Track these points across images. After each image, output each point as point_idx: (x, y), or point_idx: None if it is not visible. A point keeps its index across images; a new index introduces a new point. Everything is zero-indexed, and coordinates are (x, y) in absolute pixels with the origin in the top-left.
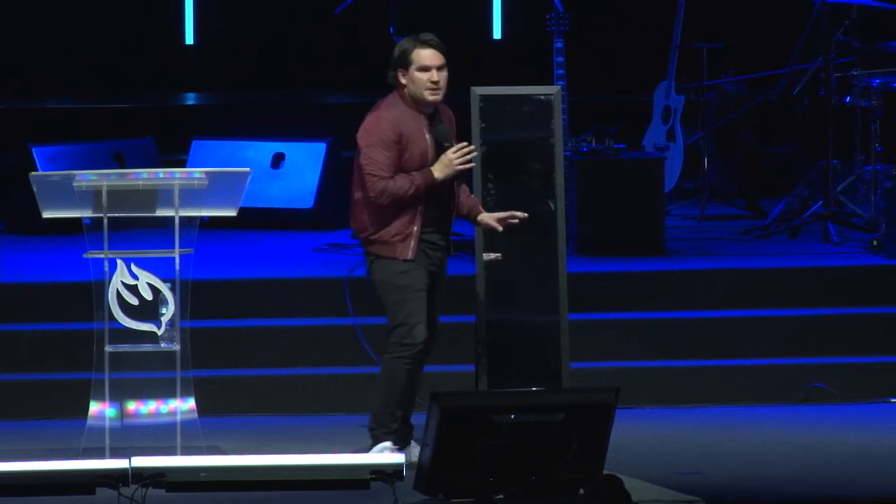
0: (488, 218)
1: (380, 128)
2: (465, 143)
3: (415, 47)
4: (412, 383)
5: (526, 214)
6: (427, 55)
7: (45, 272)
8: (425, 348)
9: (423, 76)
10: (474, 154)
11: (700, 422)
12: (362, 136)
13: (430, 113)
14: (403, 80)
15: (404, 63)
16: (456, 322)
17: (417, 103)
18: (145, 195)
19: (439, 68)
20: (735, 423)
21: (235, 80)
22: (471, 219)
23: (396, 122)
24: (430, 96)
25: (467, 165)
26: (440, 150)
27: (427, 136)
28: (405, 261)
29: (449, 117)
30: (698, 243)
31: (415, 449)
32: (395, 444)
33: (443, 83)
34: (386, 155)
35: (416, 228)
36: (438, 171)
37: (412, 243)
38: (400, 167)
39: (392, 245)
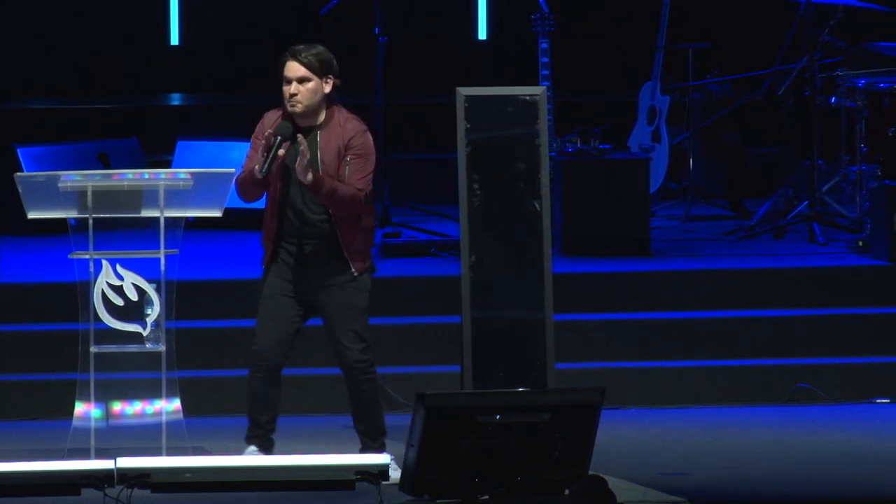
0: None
1: (258, 126)
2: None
3: (284, 59)
4: (267, 391)
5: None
6: (288, 66)
7: (30, 273)
8: (271, 355)
9: (284, 88)
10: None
11: (685, 422)
12: None
13: (317, 125)
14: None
15: (282, 74)
16: (441, 322)
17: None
18: (130, 196)
19: (300, 80)
20: (720, 423)
21: (221, 80)
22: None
23: (265, 124)
24: (289, 108)
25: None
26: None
27: (286, 145)
28: (267, 268)
29: (336, 134)
30: (683, 244)
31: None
32: (260, 448)
33: (303, 96)
34: (250, 153)
35: (273, 236)
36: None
37: (269, 249)
38: None
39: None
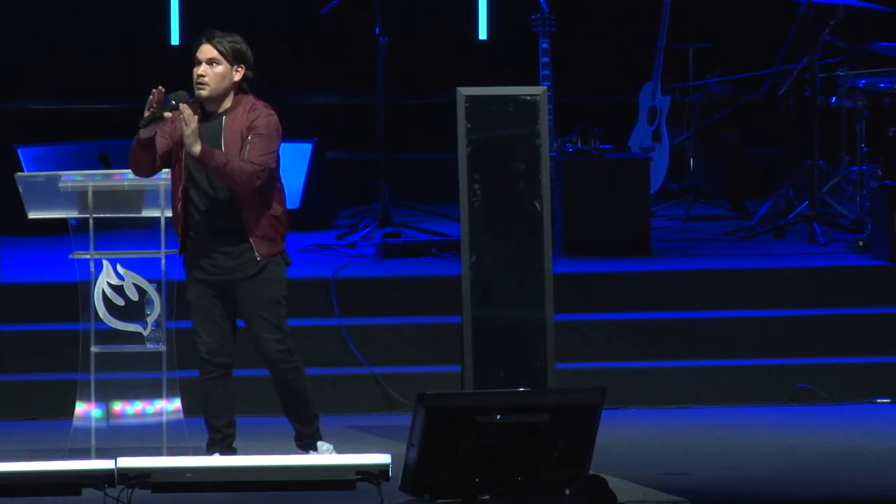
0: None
1: None
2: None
3: (199, 42)
4: (219, 393)
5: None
6: (200, 49)
7: (30, 273)
8: (217, 357)
9: (194, 70)
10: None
11: (685, 422)
12: None
13: (222, 112)
14: None
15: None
16: (442, 322)
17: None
18: (131, 196)
19: (209, 62)
20: (721, 423)
21: None
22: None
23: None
24: (196, 89)
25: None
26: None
27: (175, 125)
28: (182, 256)
29: (241, 119)
30: (684, 244)
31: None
32: (221, 453)
33: (210, 78)
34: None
35: (181, 222)
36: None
37: (180, 237)
38: (166, 152)
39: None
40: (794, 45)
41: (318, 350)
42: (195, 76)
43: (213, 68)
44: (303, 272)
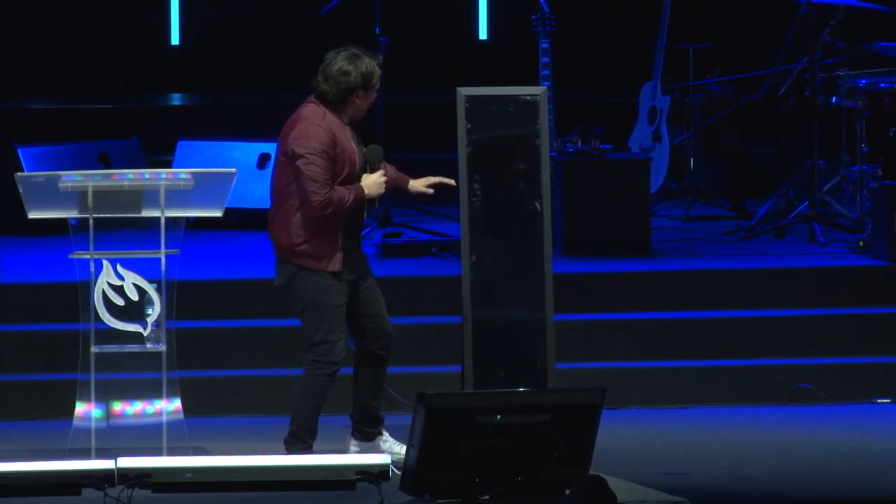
0: (419, 185)
1: (319, 137)
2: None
3: (377, 69)
4: (326, 396)
5: (453, 182)
6: (376, 77)
7: (30, 273)
8: (341, 365)
9: (373, 96)
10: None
11: (686, 422)
12: (301, 144)
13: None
14: (358, 100)
15: (369, 84)
16: (442, 322)
17: (350, 117)
18: (131, 196)
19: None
20: (721, 423)
21: (221, 80)
22: (400, 190)
23: (331, 131)
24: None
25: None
26: (364, 165)
27: (354, 147)
28: (331, 273)
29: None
30: (684, 244)
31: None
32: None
33: None
34: (326, 165)
35: (341, 240)
36: (371, 189)
37: (339, 255)
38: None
39: (319, 258)
40: (794, 45)
41: None
42: (370, 102)
43: None
44: None
